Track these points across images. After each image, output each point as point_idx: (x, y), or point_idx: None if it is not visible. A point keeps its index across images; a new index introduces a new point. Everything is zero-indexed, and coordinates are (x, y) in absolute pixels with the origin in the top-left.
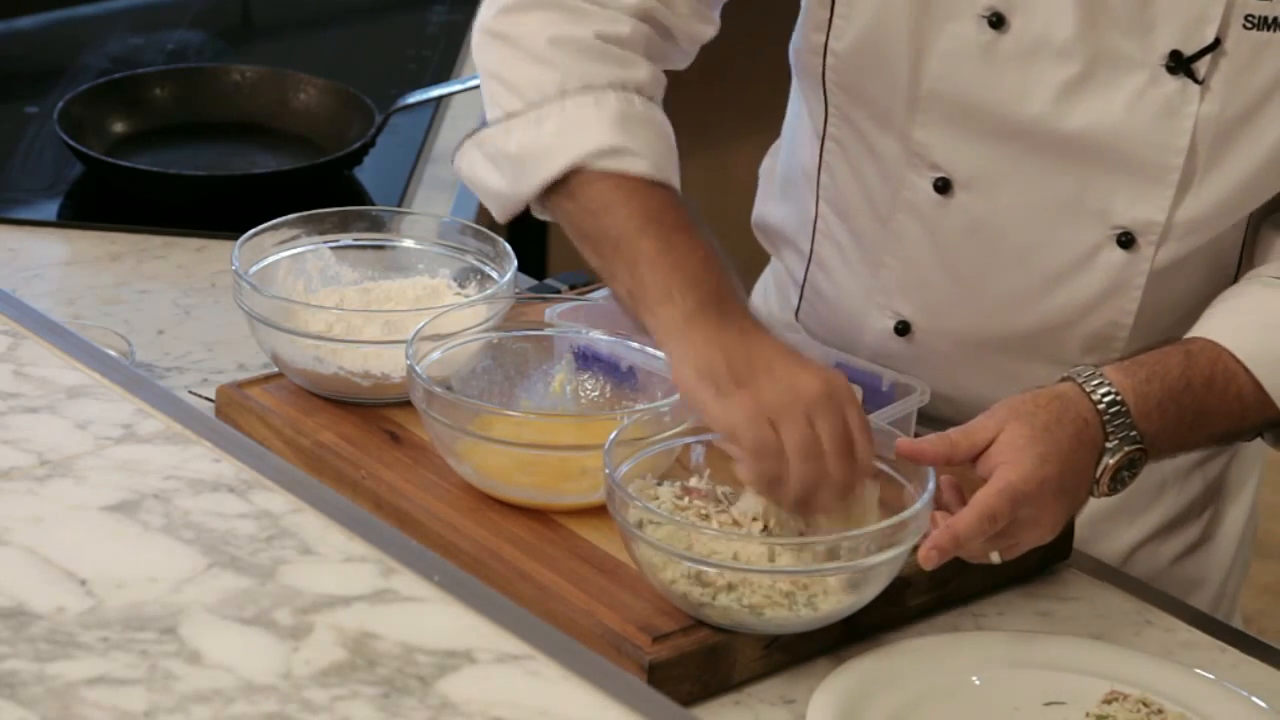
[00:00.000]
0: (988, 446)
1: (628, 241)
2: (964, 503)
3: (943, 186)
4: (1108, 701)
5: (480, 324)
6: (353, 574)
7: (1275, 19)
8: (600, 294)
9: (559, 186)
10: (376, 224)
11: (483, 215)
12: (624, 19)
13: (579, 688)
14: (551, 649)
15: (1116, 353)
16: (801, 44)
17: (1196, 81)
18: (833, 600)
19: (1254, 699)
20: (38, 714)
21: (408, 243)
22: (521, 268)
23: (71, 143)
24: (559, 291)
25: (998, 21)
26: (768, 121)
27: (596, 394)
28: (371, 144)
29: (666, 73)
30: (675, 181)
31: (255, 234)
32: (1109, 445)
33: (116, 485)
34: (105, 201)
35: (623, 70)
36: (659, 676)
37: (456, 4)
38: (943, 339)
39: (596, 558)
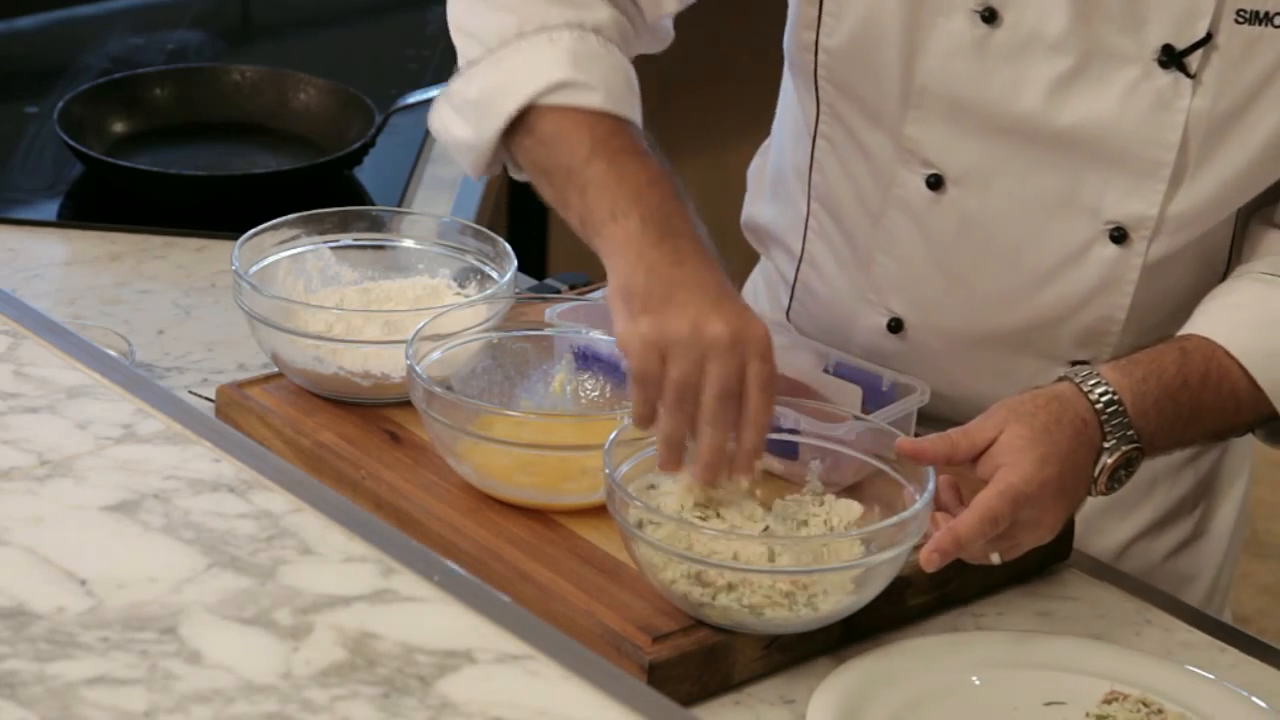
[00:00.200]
0: (987, 447)
1: (577, 168)
2: (962, 502)
3: (935, 183)
4: (1108, 701)
5: (480, 324)
6: (353, 574)
7: (1266, 13)
8: (600, 294)
9: (518, 125)
10: (376, 224)
11: (483, 215)
12: None
13: (579, 688)
14: (551, 649)
15: (1109, 348)
16: (792, 42)
17: (1188, 76)
18: (833, 600)
19: (1254, 699)
20: (38, 714)
21: (408, 243)
22: (521, 268)
23: (71, 143)
24: (559, 291)
25: (990, 16)
26: (768, 121)
27: (596, 394)
28: (371, 144)
29: (662, 65)
30: (632, 115)
31: (255, 234)
32: (1107, 445)
33: (116, 485)
34: (105, 201)
35: (580, 11)
36: (659, 676)
37: None
38: (935, 335)
39: (596, 558)
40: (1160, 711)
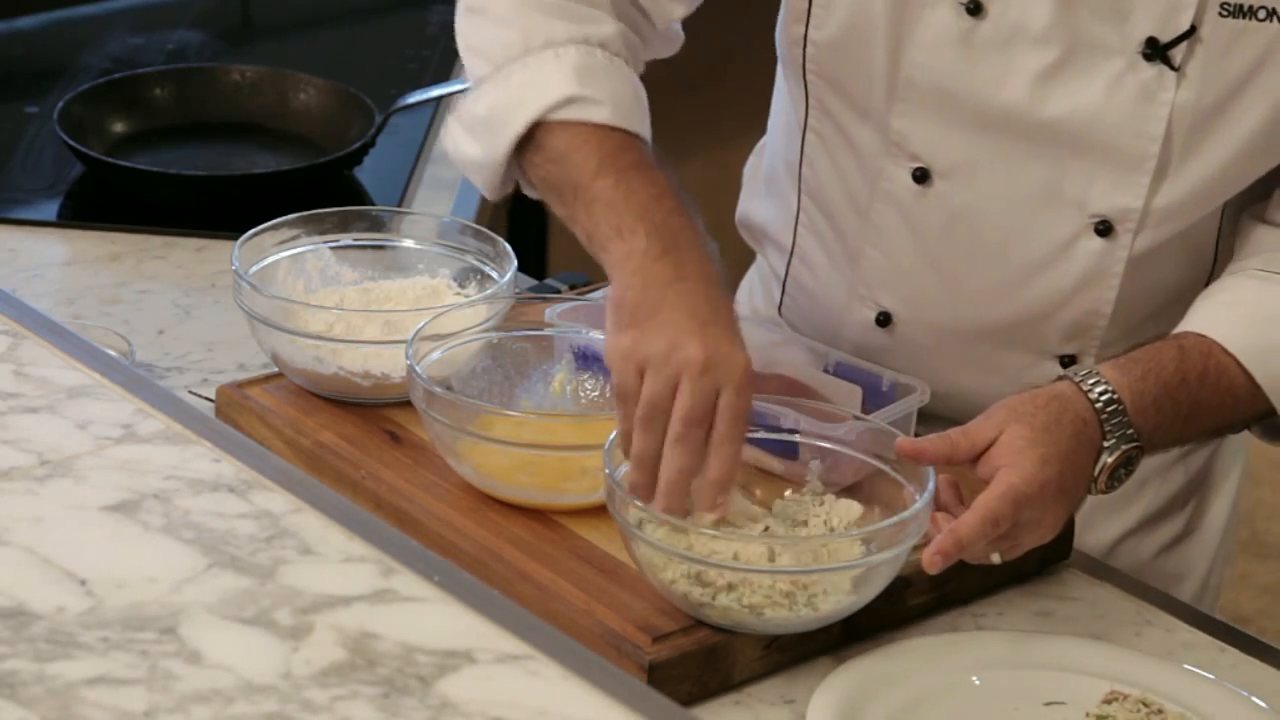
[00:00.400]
0: (987, 447)
1: (584, 184)
2: (962, 501)
3: (921, 176)
4: (1108, 701)
5: (480, 324)
6: (353, 574)
7: (1250, 6)
8: (600, 294)
9: (527, 143)
10: (376, 224)
11: (483, 215)
12: None
13: (579, 688)
14: (551, 649)
15: (1096, 341)
16: (783, 36)
17: (1173, 68)
18: (833, 600)
19: (1254, 699)
20: (38, 714)
21: (408, 243)
22: (521, 268)
23: (71, 143)
24: (559, 291)
25: (975, 9)
26: (765, 120)
27: (596, 394)
28: (371, 144)
29: (661, 64)
30: (640, 128)
31: (255, 234)
32: (1107, 444)
33: (116, 485)
34: (105, 201)
35: (585, 26)
36: (659, 676)
37: (456, 4)
38: (923, 329)
39: (596, 558)
40: (1160, 711)
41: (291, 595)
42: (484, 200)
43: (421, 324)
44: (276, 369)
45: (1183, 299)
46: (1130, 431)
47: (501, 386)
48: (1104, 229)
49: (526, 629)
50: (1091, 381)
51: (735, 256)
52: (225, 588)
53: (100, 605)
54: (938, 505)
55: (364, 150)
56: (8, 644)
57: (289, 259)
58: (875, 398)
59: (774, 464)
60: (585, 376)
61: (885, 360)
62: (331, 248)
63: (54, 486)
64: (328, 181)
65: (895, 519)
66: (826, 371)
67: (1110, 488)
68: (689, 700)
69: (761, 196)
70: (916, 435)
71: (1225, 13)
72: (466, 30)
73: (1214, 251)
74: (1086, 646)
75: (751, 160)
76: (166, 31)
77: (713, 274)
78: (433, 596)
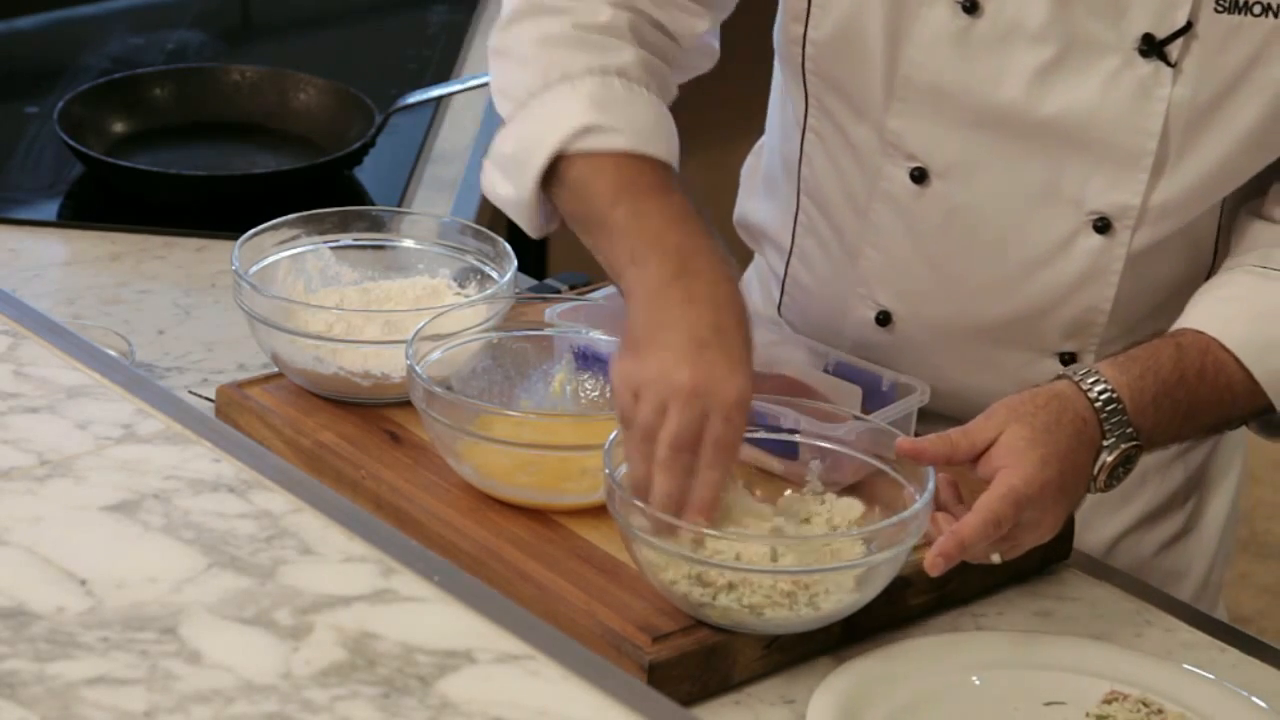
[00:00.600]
0: (987, 448)
1: (603, 213)
2: (961, 501)
3: (919, 176)
4: (1108, 701)
5: (480, 324)
6: (353, 574)
7: (1246, 2)
8: (600, 294)
9: (552, 177)
10: (376, 224)
11: (482, 215)
12: (602, 8)
13: (579, 688)
14: (551, 649)
15: (1096, 339)
16: (781, 35)
17: (1169, 64)
18: (833, 600)
19: (1254, 699)
20: (38, 714)
21: (408, 243)
22: (521, 268)
23: (71, 143)
24: (559, 291)
25: (972, 7)
26: (763, 121)
27: (596, 394)
28: (371, 144)
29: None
30: (661, 152)
31: (255, 234)
32: (1106, 443)
33: (116, 485)
34: (105, 201)
35: (602, 56)
36: (659, 676)
37: (456, 4)
38: (923, 328)
39: (596, 558)
40: (1160, 711)
41: (291, 595)
42: (484, 200)
43: (421, 324)
44: (276, 369)
45: (1182, 296)
46: (1130, 430)
47: (501, 386)
48: (1102, 226)
49: (526, 629)
50: (1091, 380)
51: (739, 257)
52: (225, 588)
53: (100, 605)
54: (937, 505)
55: (364, 150)
56: (8, 644)
57: (289, 259)
58: (875, 398)
59: (774, 464)
60: (585, 376)
61: (885, 359)
62: (331, 248)
63: (54, 486)
64: (328, 181)
65: (895, 519)
66: (826, 371)
67: (1110, 486)
68: (689, 700)
69: (760, 197)
70: (916, 435)
71: (1221, 8)
72: (493, 73)
73: (1213, 248)
74: (1086, 646)
75: (749, 161)
76: (166, 31)
77: (724, 295)
78: (433, 596)
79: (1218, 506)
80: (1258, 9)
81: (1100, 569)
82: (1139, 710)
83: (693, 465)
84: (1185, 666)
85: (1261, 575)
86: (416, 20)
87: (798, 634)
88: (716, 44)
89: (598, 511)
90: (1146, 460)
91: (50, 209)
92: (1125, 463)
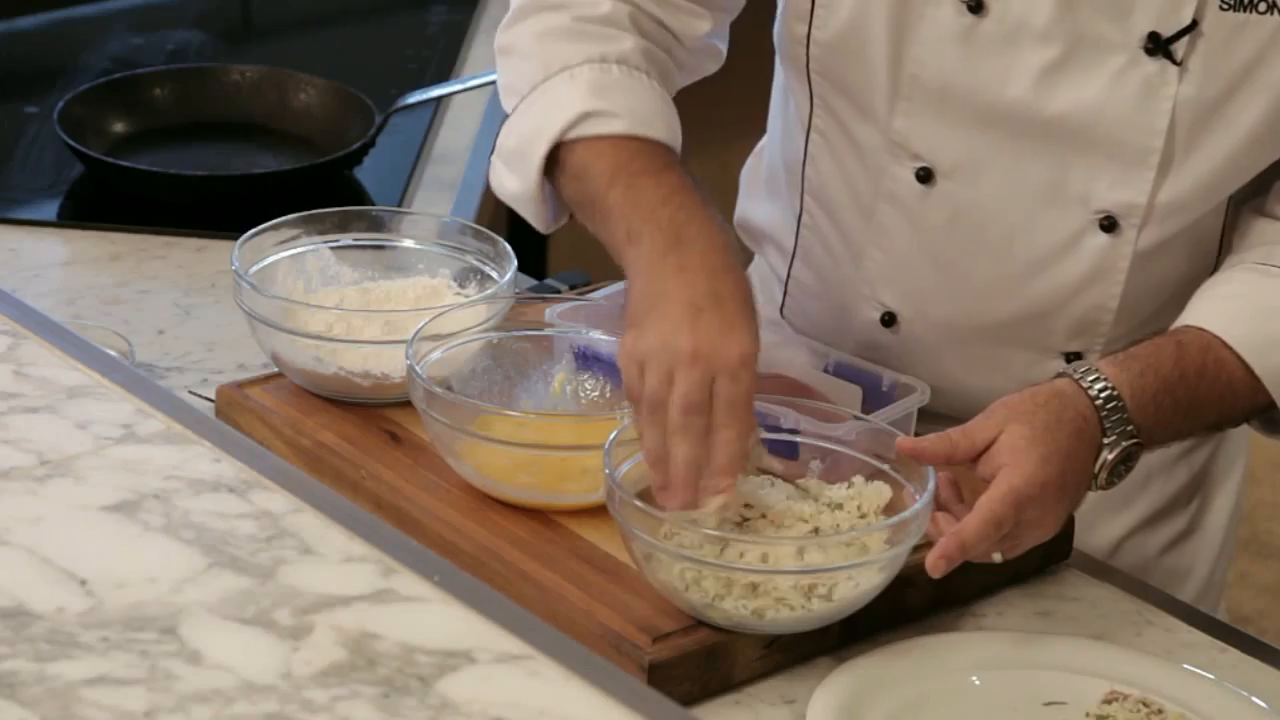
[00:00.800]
0: (987, 447)
1: (600, 196)
2: (962, 500)
3: (924, 176)
4: (1108, 701)
5: (480, 324)
6: (353, 574)
7: (1251, 0)
8: (600, 294)
9: (554, 166)
10: (376, 224)
11: (482, 215)
12: (603, 1)
13: (579, 688)
14: (551, 649)
15: (1102, 338)
16: (784, 34)
17: (1175, 63)
18: (833, 602)
19: (1254, 699)
20: (38, 714)
21: (408, 243)
22: (521, 268)
23: (71, 143)
24: (559, 291)
25: (977, 6)
26: (762, 121)
27: (596, 394)
28: (371, 144)
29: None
30: (661, 134)
31: (255, 234)
32: (1107, 441)
33: (116, 485)
34: (105, 201)
35: (601, 45)
36: (659, 676)
37: (456, 4)
38: (929, 328)
39: (596, 558)
40: (1160, 711)
41: (291, 595)
42: (484, 200)
43: (421, 324)
44: (276, 369)
45: (1188, 294)
46: (1130, 428)
47: (501, 386)
48: (1109, 225)
49: (526, 629)
50: (1091, 378)
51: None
52: (225, 588)
53: (100, 605)
54: (938, 504)
55: (364, 150)
56: (8, 644)
57: (289, 259)
58: (875, 398)
59: (774, 464)
60: (585, 376)
61: (890, 359)
62: (331, 248)
63: (54, 486)
64: (328, 181)
65: (895, 519)
66: (826, 372)
67: (1110, 484)
68: (689, 700)
69: (761, 198)
70: (916, 435)
71: (1226, 6)
72: (499, 70)
73: (1219, 246)
74: (1086, 646)
75: (750, 162)
76: (166, 31)
77: (718, 261)
78: (433, 596)
79: (1221, 506)
80: (1263, 7)
81: (1100, 569)
82: (1139, 710)
83: (707, 429)
84: (1185, 666)
85: (1261, 575)
86: (416, 20)
87: (798, 634)
88: (723, 47)
89: (598, 511)
90: (1150, 460)
91: (50, 209)
92: (1126, 460)
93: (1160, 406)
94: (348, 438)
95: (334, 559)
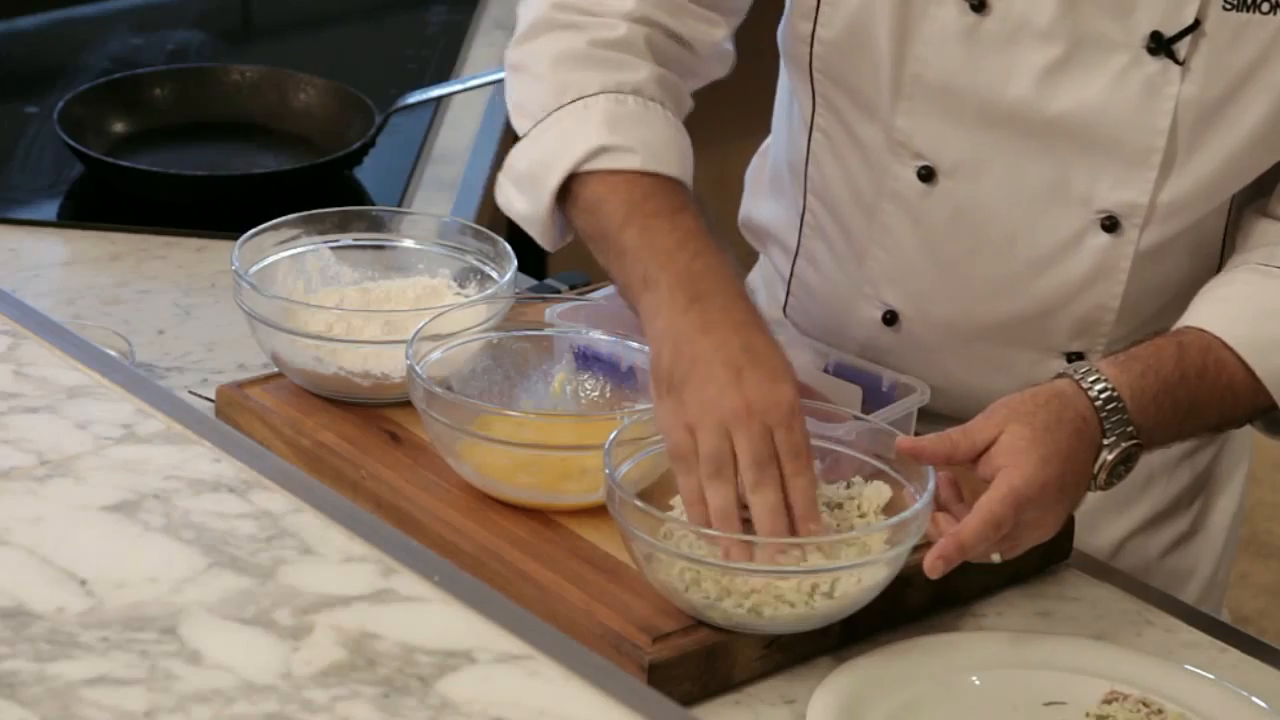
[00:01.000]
0: (987, 447)
1: (613, 234)
2: (961, 499)
3: (926, 175)
4: (1108, 701)
5: (480, 324)
6: (353, 574)
7: (1254, 0)
8: (600, 294)
9: (566, 195)
10: (376, 224)
11: (482, 215)
12: (619, 24)
13: (579, 688)
14: (551, 649)
15: (1104, 338)
16: (789, 33)
17: (1177, 62)
18: (833, 601)
19: (1254, 699)
20: (38, 714)
21: (408, 243)
22: (521, 268)
23: (71, 143)
24: (559, 291)
25: (979, 5)
26: (766, 122)
27: (596, 394)
28: (371, 144)
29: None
30: (674, 170)
31: (255, 234)
32: (1107, 442)
33: (116, 485)
34: (105, 201)
35: (616, 73)
36: (659, 676)
37: (456, 4)
38: (931, 328)
39: (596, 558)
40: (1160, 711)
41: (291, 595)
42: (484, 200)
43: (421, 324)
44: (276, 369)
45: (1190, 295)
46: (1130, 429)
47: (501, 386)
48: (1110, 224)
49: (526, 629)
50: (1092, 379)
51: (737, 258)
52: (225, 588)
53: (100, 605)
54: (938, 504)
55: (364, 150)
56: (8, 644)
57: (289, 259)
58: (875, 398)
59: None
60: (585, 376)
61: (892, 359)
62: (331, 248)
63: (54, 486)
64: (328, 181)
65: (895, 519)
66: (826, 371)
67: (1110, 484)
68: (689, 700)
69: (765, 198)
70: (917, 434)
71: (1229, 6)
72: (510, 87)
73: (1221, 247)
74: (1086, 646)
75: (755, 162)
76: (166, 31)
77: (742, 317)
78: (433, 596)
79: (1224, 508)
80: (1266, 7)
81: (1100, 569)
82: (1139, 710)
83: (780, 478)
84: (1185, 666)
85: (1261, 575)
86: (416, 20)
87: (798, 634)
88: (733, 48)
89: (598, 511)
90: (1152, 462)
91: (50, 209)
92: (1126, 461)
93: (1160, 407)
94: (348, 438)
95: (334, 559)
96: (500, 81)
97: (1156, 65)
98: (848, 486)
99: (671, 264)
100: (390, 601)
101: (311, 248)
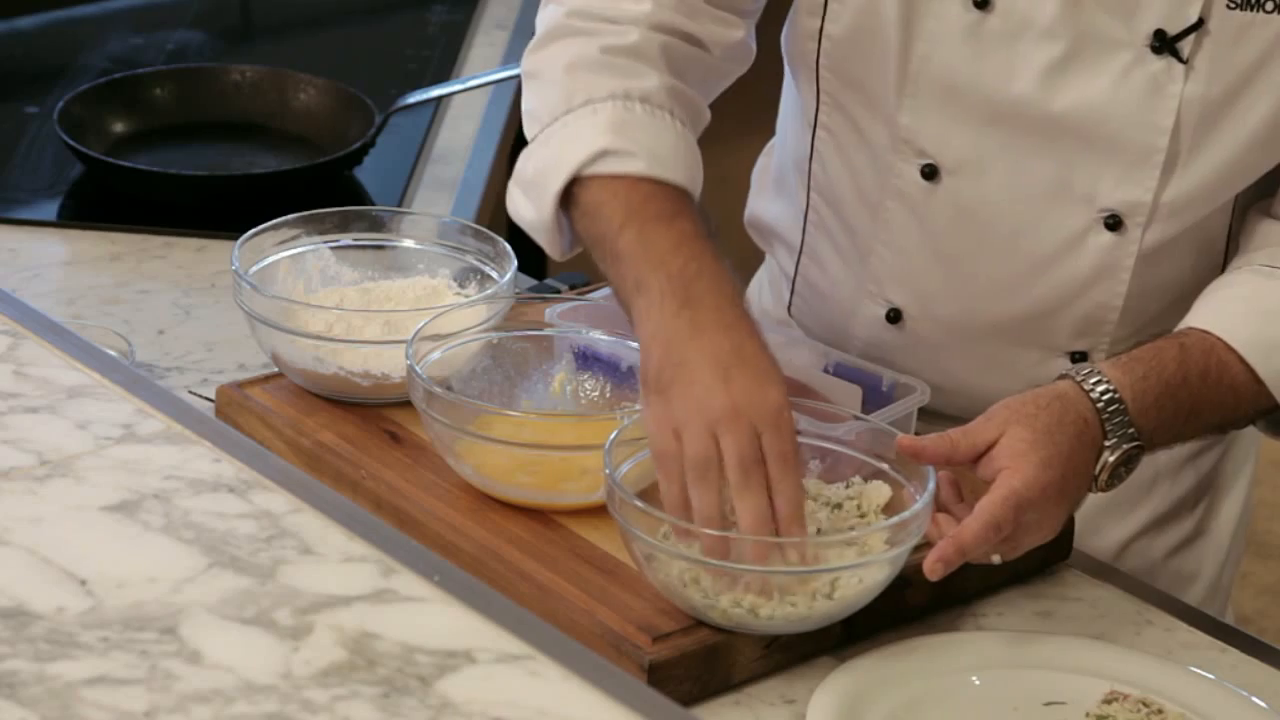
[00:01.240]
0: (988, 448)
1: (611, 238)
2: (962, 499)
3: (930, 173)
4: (1108, 701)
5: (480, 324)
6: (353, 574)
7: (1258, 0)
8: (600, 294)
9: (569, 199)
10: (376, 224)
11: (482, 215)
12: (632, 30)
13: (579, 688)
14: (551, 649)
15: (1107, 338)
16: (795, 30)
17: (1181, 61)
18: (833, 601)
19: (1254, 699)
20: (38, 714)
21: (408, 243)
22: (521, 268)
23: (71, 143)
24: (559, 291)
25: (982, 2)
26: (767, 122)
27: (596, 394)
28: (371, 144)
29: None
30: (679, 177)
31: (255, 234)
32: (1108, 443)
33: (116, 485)
34: (105, 201)
35: (626, 80)
36: (659, 676)
37: (456, 4)
38: (934, 326)
39: (596, 558)
40: (1160, 711)
41: (291, 595)
42: (484, 200)
43: (421, 324)
44: (276, 369)
45: (1194, 295)
46: (1131, 430)
47: (501, 386)
48: (1114, 223)
49: (526, 629)
50: (1094, 380)
51: (743, 257)
52: (225, 588)
53: (100, 605)
54: (938, 505)
55: (364, 150)
56: (8, 644)
57: (289, 259)
58: (875, 398)
59: None
60: (585, 376)
61: (895, 358)
62: (331, 248)
63: (54, 486)
64: (328, 181)
65: (895, 519)
66: (826, 371)
67: (1110, 486)
68: (689, 700)
69: (770, 196)
70: (917, 434)
71: (1233, 5)
72: (525, 95)
73: (1225, 247)
74: (1086, 646)
75: (760, 160)
76: (166, 31)
77: (733, 321)
78: (433, 596)
79: (1229, 509)
80: (1269, 6)
81: (1101, 569)
82: (1139, 710)
83: (765, 481)
84: (1185, 666)
85: (1261, 575)
86: (416, 20)
87: (798, 634)
88: (753, 44)
89: (598, 511)
90: (1157, 463)
91: (50, 209)
92: (1127, 463)
93: (1162, 409)
94: (348, 438)
95: (334, 559)
96: (500, 81)
97: (1160, 64)
98: (848, 486)
99: (664, 268)
100: (390, 601)
101: (311, 248)
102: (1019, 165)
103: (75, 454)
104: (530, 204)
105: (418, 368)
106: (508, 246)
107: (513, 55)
